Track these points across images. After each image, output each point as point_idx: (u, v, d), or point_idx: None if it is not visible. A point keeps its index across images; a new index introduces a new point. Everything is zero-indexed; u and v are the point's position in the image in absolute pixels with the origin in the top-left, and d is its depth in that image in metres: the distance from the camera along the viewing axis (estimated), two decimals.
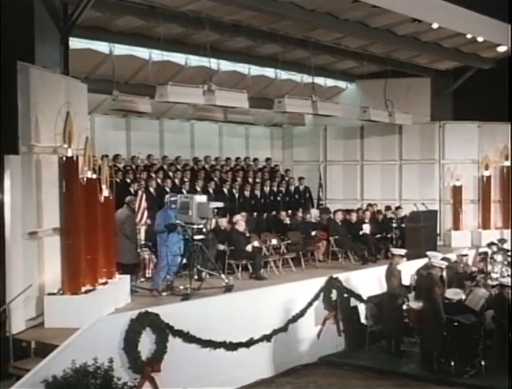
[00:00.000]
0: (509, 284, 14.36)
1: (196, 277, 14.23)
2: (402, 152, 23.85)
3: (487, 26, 19.33)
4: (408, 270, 15.37)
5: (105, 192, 12.81)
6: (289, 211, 20.05)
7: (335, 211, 20.04)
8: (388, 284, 14.69)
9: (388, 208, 21.16)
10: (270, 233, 18.53)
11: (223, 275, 14.24)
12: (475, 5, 18.37)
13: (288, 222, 19.33)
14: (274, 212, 20.09)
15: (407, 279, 15.25)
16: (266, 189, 20.45)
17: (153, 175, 17.80)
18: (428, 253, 15.59)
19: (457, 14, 18.18)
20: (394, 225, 19.73)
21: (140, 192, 15.98)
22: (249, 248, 16.16)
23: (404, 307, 14.61)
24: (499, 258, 17.96)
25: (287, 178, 22.14)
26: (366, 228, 19.38)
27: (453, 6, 17.79)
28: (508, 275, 16.72)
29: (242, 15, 16.65)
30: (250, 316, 13.24)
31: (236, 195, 19.34)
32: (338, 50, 20.58)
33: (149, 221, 15.57)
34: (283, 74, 21.34)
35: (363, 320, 15.72)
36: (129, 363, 10.79)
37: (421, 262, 15.61)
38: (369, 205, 21.74)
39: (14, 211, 11.05)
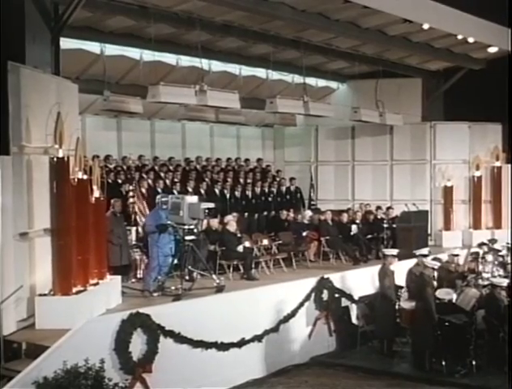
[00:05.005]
0: (501, 283, 14.39)
1: (187, 278, 14.23)
2: (393, 153, 23.91)
3: (478, 27, 19.40)
4: (401, 270, 15.38)
5: (96, 193, 12.78)
6: (284, 211, 20.02)
7: (326, 212, 20.07)
8: (381, 284, 14.69)
9: (379, 208, 21.19)
10: (262, 234, 18.56)
11: (214, 276, 14.24)
12: (473, 7, 18.46)
13: (286, 221, 19.40)
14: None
15: (400, 280, 15.25)
16: (258, 189, 20.46)
17: (144, 176, 17.77)
18: (416, 252, 15.66)
19: (448, 15, 18.25)
20: (385, 226, 19.77)
21: (137, 193, 16.06)
22: (240, 248, 16.14)
23: (396, 307, 14.64)
24: (490, 258, 18.00)
25: (278, 179, 22.16)
26: (354, 229, 19.39)
27: (443, 6, 17.87)
28: (499, 275, 16.75)
29: (233, 16, 16.66)
30: (242, 316, 13.23)
31: (228, 196, 19.37)
32: (329, 50, 20.62)
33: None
34: (275, 75, 21.31)
35: (354, 320, 15.75)
36: (120, 364, 10.75)
37: (414, 262, 15.62)
38: (365, 205, 21.82)
39: (5, 211, 10.99)
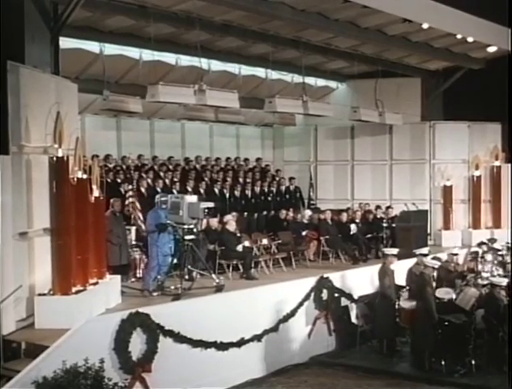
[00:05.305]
0: (500, 283, 14.40)
1: (187, 277, 14.22)
2: (392, 152, 23.91)
3: (478, 26, 19.38)
4: (401, 269, 15.39)
5: (96, 192, 12.78)
6: (284, 211, 20.01)
7: (325, 211, 20.07)
8: (381, 283, 14.68)
9: (378, 208, 21.18)
10: (261, 233, 18.55)
11: (213, 275, 14.24)
12: (473, 7, 18.46)
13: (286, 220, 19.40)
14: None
15: (400, 279, 15.26)
16: (257, 189, 20.47)
17: (144, 175, 17.77)
18: (416, 251, 15.67)
19: (447, 15, 18.23)
20: (384, 225, 19.76)
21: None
22: (239, 248, 16.14)
23: (396, 307, 14.63)
24: (489, 257, 18.02)
25: (277, 178, 22.16)
26: (354, 229, 19.40)
27: (443, 6, 17.85)
28: (498, 275, 16.76)
29: (233, 15, 16.65)
30: (241, 316, 13.23)
31: (227, 195, 19.37)
32: (328, 50, 20.61)
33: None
34: (274, 74, 21.31)
35: (354, 320, 15.75)
36: (119, 363, 10.75)
37: (413, 261, 15.63)
38: (364, 204, 21.82)
39: (5, 211, 10.98)
